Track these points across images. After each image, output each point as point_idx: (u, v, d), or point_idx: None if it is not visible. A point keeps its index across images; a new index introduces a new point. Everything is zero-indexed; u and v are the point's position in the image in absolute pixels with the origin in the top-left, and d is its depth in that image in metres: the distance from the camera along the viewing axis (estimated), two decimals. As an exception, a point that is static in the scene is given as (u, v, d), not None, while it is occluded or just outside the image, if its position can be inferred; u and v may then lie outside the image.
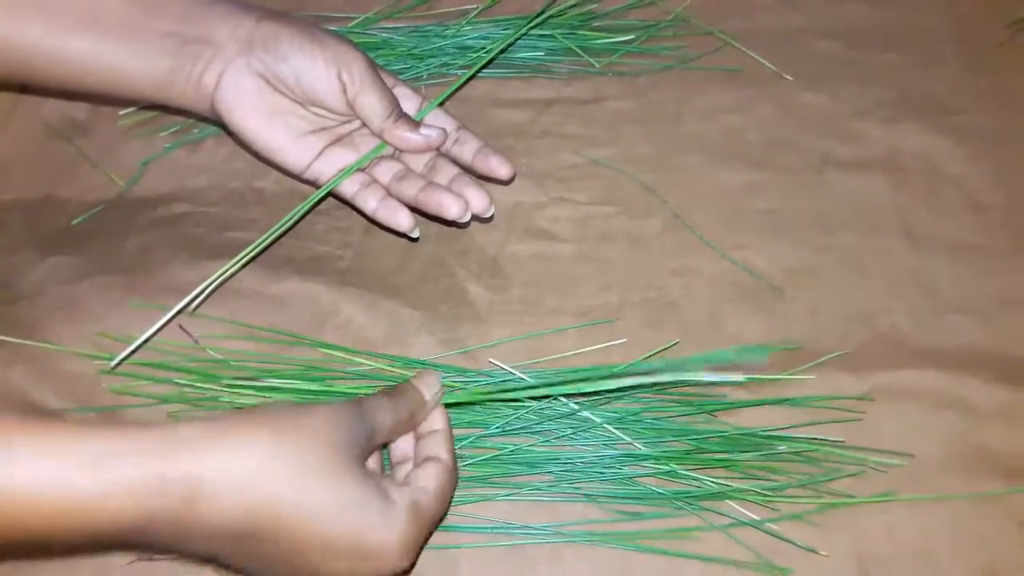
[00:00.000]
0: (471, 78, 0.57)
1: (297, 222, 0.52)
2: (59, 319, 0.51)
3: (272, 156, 0.50)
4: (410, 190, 0.50)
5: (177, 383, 0.49)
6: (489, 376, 0.50)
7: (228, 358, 0.50)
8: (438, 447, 0.42)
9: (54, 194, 0.56)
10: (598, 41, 0.61)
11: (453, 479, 0.42)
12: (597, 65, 0.60)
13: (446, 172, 0.51)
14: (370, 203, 0.50)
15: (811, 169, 0.57)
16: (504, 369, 0.49)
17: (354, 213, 0.54)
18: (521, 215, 0.56)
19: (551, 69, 0.60)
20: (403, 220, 0.50)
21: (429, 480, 0.40)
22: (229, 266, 0.49)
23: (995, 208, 0.55)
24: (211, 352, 0.50)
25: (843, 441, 0.48)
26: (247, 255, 0.49)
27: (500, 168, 0.51)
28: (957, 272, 0.53)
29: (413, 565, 0.39)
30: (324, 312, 0.52)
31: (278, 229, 0.50)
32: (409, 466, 0.43)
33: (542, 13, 0.58)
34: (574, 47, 0.60)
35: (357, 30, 0.61)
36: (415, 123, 0.50)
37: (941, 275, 0.53)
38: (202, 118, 0.54)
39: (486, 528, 0.46)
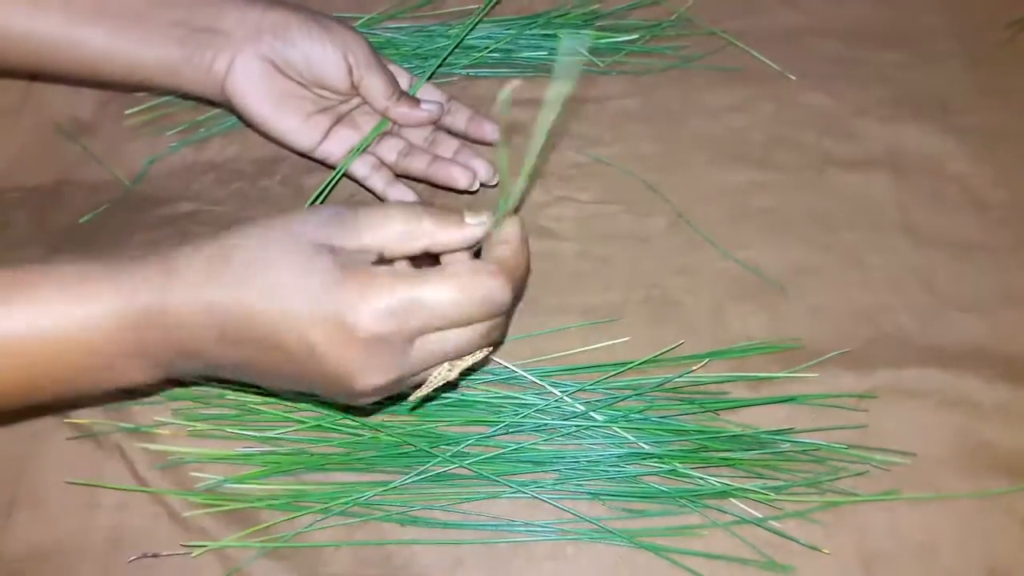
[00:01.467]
0: (457, 45, 0.59)
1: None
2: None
3: (283, 138, 0.53)
4: (419, 164, 0.53)
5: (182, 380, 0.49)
6: (493, 374, 0.50)
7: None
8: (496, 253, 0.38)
9: (61, 192, 0.56)
10: (602, 41, 0.61)
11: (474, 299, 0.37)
12: (601, 64, 0.60)
13: (448, 145, 0.55)
14: (379, 185, 0.54)
15: (813, 168, 0.57)
16: (508, 367, 0.49)
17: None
18: (524, 214, 0.56)
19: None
20: (409, 200, 0.53)
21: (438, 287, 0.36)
22: None
23: (997, 206, 0.56)
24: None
25: (846, 440, 0.48)
26: None
27: (493, 133, 0.55)
28: (959, 270, 0.53)
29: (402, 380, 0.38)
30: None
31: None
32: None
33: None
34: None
35: (362, 30, 0.61)
36: (415, 100, 0.53)
37: (943, 273, 0.53)
38: (211, 103, 0.56)
39: (491, 525, 0.47)
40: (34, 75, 0.59)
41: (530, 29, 0.60)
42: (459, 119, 0.55)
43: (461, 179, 0.52)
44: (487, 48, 0.60)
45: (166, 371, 0.40)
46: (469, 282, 0.36)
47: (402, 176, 0.55)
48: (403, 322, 0.36)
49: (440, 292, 0.36)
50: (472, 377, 0.50)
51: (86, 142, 0.58)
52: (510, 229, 0.38)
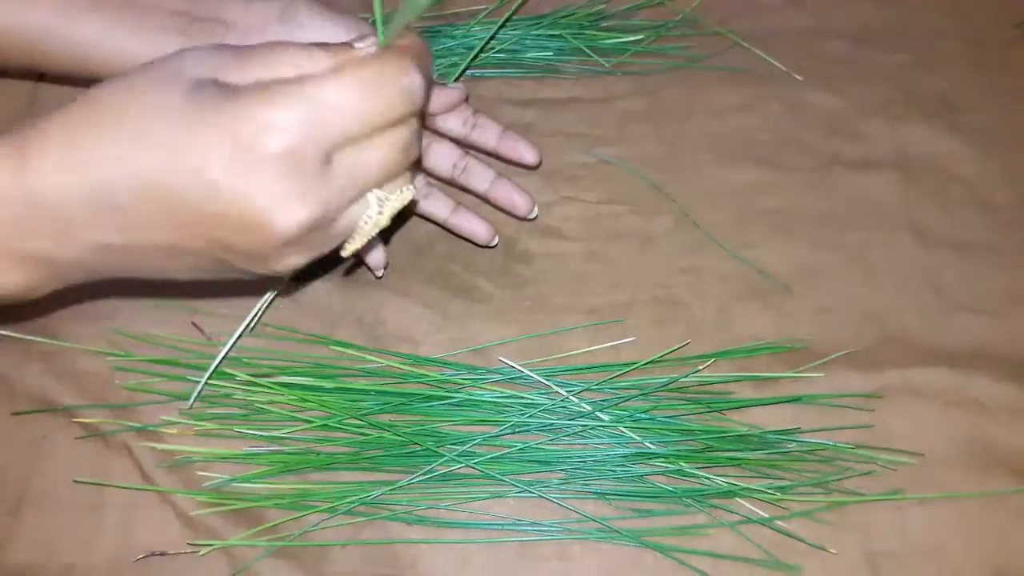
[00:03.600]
0: (474, 58, 0.58)
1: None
2: (73, 316, 0.51)
3: None
4: (441, 212, 0.51)
5: (190, 380, 0.49)
6: (499, 373, 0.50)
7: (240, 355, 0.50)
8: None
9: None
10: (607, 41, 0.61)
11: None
12: (606, 65, 0.60)
13: (482, 175, 0.51)
14: None
15: (820, 168, 0.57)
16: (514, 367, 0.50)
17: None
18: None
19: (560, 69, 0.61)
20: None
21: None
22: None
23: (1004, 207, 0.55)
24: (224, 350, 0.50)
25: (852, 440, 0.48)
26: None
27: (527, 153, 0.51)
28: (966, 270, 0.53)
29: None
30: (335, 310, 0.52)
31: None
32: None
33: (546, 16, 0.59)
34: (583, 47, 0.60)
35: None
36: (440, 83, 0.49)
37: (950, 273, 0.53)
38: None
39: (497, 524, 0.47)
40: (22, 72, 0.55)
41: (536, 29, 0.60)
42: (489, 135, 0.51)
43: (481, 234, 0.51)
44: (492, 48, 0.60)
45: (46, 273, 0.36)
46: (375, 68, 0.33)
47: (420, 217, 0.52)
48: (311, 129, 0.32)
49: (345, 86, 0.32)
50: (478, 377, 0.50)
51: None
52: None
